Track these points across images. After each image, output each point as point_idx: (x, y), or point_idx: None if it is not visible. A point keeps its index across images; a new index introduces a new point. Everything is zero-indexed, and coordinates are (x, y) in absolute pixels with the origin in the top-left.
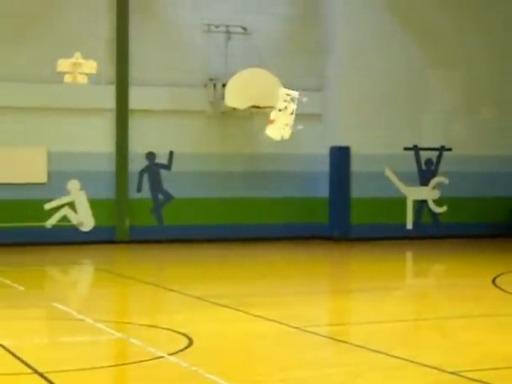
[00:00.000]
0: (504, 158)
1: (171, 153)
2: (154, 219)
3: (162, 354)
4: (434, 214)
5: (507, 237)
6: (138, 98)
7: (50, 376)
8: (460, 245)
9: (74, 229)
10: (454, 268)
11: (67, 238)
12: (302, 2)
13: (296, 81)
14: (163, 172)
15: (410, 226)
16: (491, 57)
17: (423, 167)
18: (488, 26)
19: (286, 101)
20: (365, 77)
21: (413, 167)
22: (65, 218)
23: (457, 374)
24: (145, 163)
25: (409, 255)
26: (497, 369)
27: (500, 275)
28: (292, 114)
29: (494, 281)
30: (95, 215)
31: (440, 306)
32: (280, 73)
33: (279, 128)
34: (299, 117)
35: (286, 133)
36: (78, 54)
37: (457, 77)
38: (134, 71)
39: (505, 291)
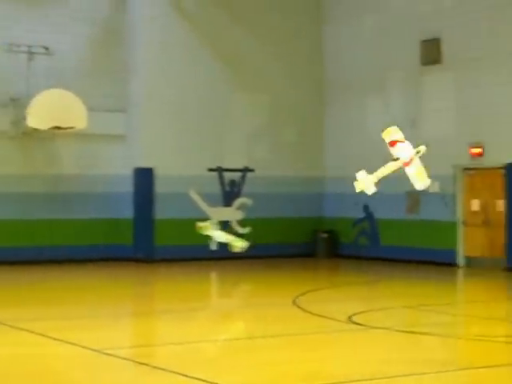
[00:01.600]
0: (306, 179)
1: None
2: None
3: None
4: (237, 235)
5: (310, 257)
6: None
7: None
8: (264, 265)
9: None
10: (258, 288)
11: None
12: (104, 22)
13: (100, 101)
14: None
15: (214, 246)
16: (293, 83)
17: (227, 188)
18: (291, 53)
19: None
20: (169, 98)
21: (217, 188)
22: None
23: None
24: None
25: (213, 276)
26: None
27: (301, 295)
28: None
29: (294, 300)
30: None
31: (244, 326)
32: (84, 93)
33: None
34: (102, 137)
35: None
36: None
37: (260, 101)
38: None
39: (304, 310)
